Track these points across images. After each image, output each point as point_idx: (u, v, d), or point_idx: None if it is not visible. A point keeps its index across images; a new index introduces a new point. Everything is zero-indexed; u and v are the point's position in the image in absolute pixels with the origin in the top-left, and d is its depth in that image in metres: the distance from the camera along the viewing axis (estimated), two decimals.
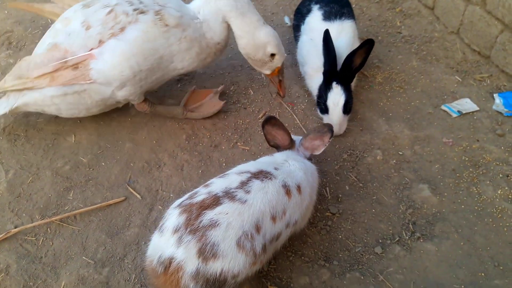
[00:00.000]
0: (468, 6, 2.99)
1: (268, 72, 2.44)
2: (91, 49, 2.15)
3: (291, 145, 1.99)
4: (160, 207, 2.16)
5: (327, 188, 2.28)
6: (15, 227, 2.07)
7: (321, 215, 2.16)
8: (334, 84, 2.44)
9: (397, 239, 2.05)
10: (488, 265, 1.93)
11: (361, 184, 2.30)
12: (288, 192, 1.70)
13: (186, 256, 1.46)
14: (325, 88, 2.47)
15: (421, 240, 2.04)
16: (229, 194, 1.57)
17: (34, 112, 2.64)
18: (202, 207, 1.52)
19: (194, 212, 1.51)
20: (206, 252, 1.46)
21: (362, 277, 1.90)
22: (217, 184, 1.64)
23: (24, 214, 2.13)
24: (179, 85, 2.86)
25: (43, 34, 3.20)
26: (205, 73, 2.95)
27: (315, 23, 2.72)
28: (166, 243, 1.50)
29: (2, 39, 3.22)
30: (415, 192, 2.24)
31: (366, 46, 2.38)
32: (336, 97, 2.43)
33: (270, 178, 1.68)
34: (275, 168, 1.76)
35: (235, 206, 1.55)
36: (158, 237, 1.55)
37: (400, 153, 2.44)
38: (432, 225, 2.10)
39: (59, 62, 2.16)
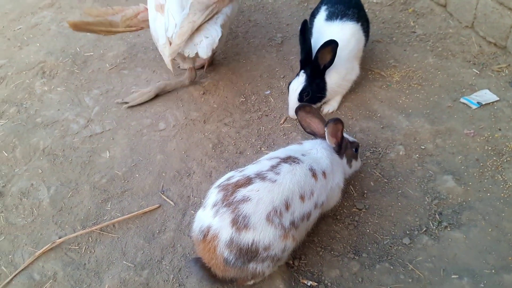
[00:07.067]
0: (480, 0, 3.03)
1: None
2: None
3: None
4: (192, 211, 2.26)
5: (353, 186, 2.34)
6: (59, 238, 2.21)
7: (348, 211, 2.22)
8: (301, 72, 2.63)
9: (424, 229, 2.08)
10: None
11: (385, 180, 2.35)
12: (314, 175, 1.84)
13: (221, 225, 1.65)
14: (296, 74, 2.69)
15: (449, 229, 2.07)
16: (260, 175, 1.75)
17: (70, 133, 2.81)
18: (237, 186, 1.72)
19: (230, 190, 1.71)
20: (238, 223, 1.63)
21: (391, 267, 1.94)
22: (250, 169, 1.82)
23: (66, 226, 2.28)
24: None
25: (73, 62, 3.45)
26: (227, 85, 3.08)
27: (319, 23, 2.82)
28: (206, 215, 1.71)
29: (36, 69, 3.44)
30: (439, 184, 2.28)
31: (331, 45, 2.46)
32: (297, 83, 2.63)
33: (297, 163, 1.84)
34: (303, 155, 1.92)
35: (265, 184, 1.72)
36: (201, 211, 1.77)
37: (422, 147, 2.49)
38: (458, 214, 2.13)
39: None
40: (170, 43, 2.55)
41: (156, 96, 3.00)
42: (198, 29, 2.57)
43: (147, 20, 2.91)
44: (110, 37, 3.73)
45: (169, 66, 2.64)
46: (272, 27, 3.65)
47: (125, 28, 3.16)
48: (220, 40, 2.57)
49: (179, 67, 3.22)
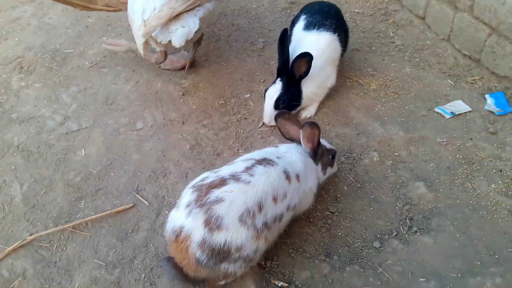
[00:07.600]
0: (456, 14, 3.12)
1: None
2: None
3: None
4: (166, 211, 2.26)
5: (326, 190, 2.37)
6: (31, 235, 2.17)
7: (321, 214, 2.24)
8: (278, 80, 2.68)
9: (395, 233, 2.12)
10: (483, 255, 1.99)
11: (359, 185, 2.39)
12: (288, 177, 1.87)
13: (194, 226, 1.66)
14: (273, 81, 2.72)
15: (418, 234, 2.11)
16: (234, 177, 1.76)
17: (46, 130, 2.78)
18: (211, 187, 1.72)
19: (204, 190, 1.72)
20: (211, 224, 1.64)
21: (361, 270, 1.98)
22: (225, 170, 1.84)
23: (38, 223, 2.24)
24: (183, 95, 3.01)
25: (53, 59, 3.42)
26: (207, 87, 3.09)
27: (297, 32, 2.87)
28: (179, 216, 1.72)
29: (14, 64, 3.39)
30: (411, 190, 2.33)
31: (306, 57, 2.51)
32: (273, 91, 2.67)
33: (272, 165, 1.86)
34: (277, 157, 1.94)
35: (239, 186, 1.74)
36: (174, 211, 1.78)
37: (396, 154, 2.54)
38: (428, 220, 2.18)
39: None
40: (145, 26, 2.56)
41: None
42: (176, 17, 2.57)
43: (126, 3, 2.91)
44: (91, 35, 3.71)
45: (141, 49, 2.64)
46: (255, 32, 3.68)
47: (103, 7, 3.17)
48: (196, 32, 2.58)
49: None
